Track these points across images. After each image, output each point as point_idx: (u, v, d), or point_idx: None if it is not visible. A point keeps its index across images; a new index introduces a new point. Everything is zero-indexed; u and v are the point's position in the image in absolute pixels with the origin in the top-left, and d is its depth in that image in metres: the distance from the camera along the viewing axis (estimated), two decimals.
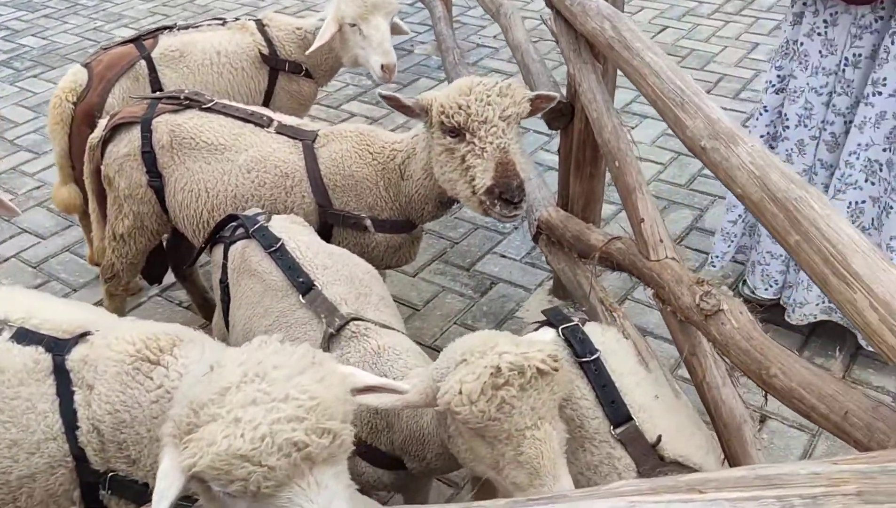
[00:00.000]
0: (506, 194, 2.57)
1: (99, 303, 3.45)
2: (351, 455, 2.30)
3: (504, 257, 4.28)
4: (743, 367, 2.07)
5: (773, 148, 3.53)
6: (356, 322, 2.30)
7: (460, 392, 1.69)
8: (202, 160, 2.98)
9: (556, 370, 1.71)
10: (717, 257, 3.79)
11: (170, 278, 3.71)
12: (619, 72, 2.78)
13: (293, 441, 1.39)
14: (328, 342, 2.28)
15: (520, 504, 1.10)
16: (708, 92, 2.24)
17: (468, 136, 2.59)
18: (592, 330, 2.25)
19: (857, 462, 1.15)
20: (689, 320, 2.34)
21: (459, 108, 2.58)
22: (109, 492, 1.95)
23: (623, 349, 2.23)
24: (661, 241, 2.63)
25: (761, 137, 3.54)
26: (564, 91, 3.50)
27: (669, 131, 2.32)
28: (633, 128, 5.32)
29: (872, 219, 3.34)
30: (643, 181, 2.80)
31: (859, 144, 3.22)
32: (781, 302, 3.66)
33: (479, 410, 1.67)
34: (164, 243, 3.53)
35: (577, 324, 2.20)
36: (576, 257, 3.30)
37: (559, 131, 3.64)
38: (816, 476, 1.12)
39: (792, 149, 3.46)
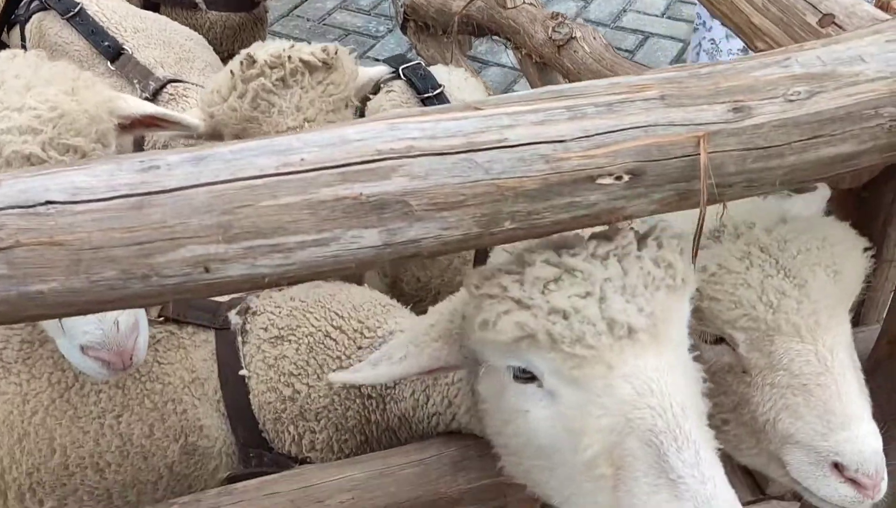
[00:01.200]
0: None
1: None
2: None
3: (377, 60, 3.99)
4: None
5: None
6: (174, 84, 2.04)
7: (214, 91, 1.50)
8: None
9: (326, 63, 1.51)
10: None
11: None
12: None
13: (24, 154, 1.17)
14: None
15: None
16: None
17: None
18: (438, 71, 2.05)
19: (664, 71, 0.99)
20: (543, 58, 2.17)
21: None
22: None
23: (471, 86, 2.05)
24: None
25: None
26: None
27: None
28: None
29: None
30: None
31: None
32: None
33: (229, 107, 1.48)
34: None
35: (418, 63, 2.00)
36: (442, 37, 3.07)
37: None
38: (615, 85, 0.95)
39: None
